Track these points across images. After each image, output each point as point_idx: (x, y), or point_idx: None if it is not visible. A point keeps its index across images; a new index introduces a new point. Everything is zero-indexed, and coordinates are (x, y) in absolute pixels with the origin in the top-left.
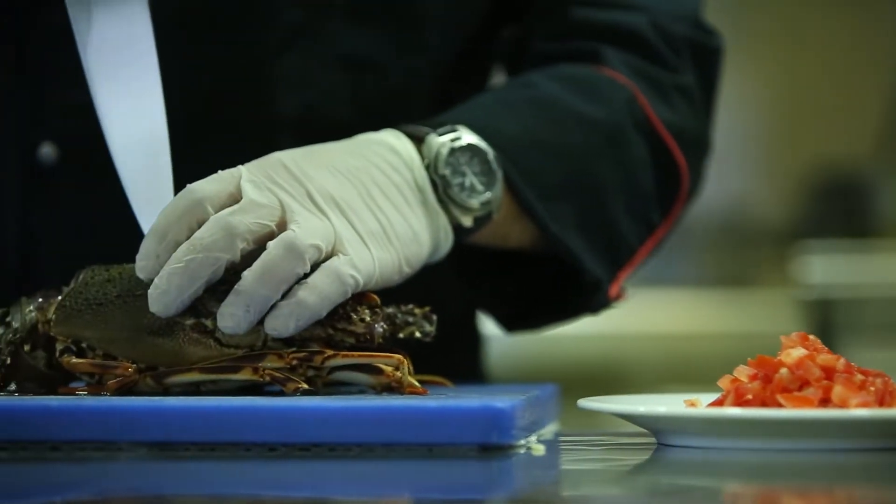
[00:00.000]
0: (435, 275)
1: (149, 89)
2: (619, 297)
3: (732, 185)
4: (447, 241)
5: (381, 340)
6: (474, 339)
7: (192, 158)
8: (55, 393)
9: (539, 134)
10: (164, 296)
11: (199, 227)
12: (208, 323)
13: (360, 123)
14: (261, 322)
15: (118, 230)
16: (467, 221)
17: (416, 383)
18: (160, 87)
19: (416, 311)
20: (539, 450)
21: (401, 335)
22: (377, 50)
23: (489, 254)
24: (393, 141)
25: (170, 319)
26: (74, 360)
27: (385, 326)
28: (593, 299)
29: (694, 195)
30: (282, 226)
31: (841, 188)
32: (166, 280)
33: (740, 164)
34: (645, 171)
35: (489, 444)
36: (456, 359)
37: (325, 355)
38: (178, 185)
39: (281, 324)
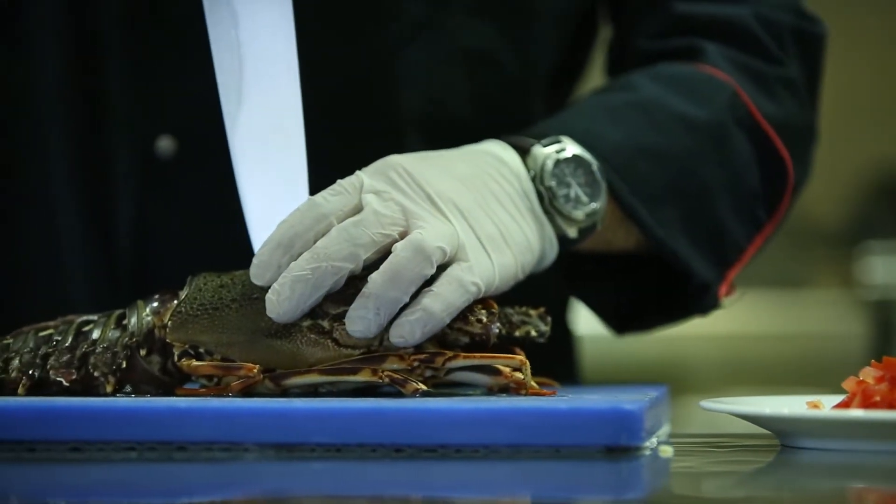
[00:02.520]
0: (530, 275)
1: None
2: (729, 295)
3: None
4: (552, 250)
5: (496, 340)
6: (568, 339)
7: (317, 155)
8: (171, 395)
9: (642, 139)
10: (285, 302)
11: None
12: (325, 324)
13: (479, 117)
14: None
15: (234, 224)
16: (572, 232)
17: (536, 385)
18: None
19: (531, 312)
20: (667, 451)
21: (516, 334)
22: (495, 43)
23: (597, 257)
24: (500, 152)
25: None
26: (195, 362)
27: (500, 327)
28: (703, 300)
29: (801, 185)
30: (404, 234)
31: None
32: (289, 287)
33: None
34: (750, 168)
35: (617, 445)
36: (551, 359)
37: (447, 356)
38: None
39: (408, 332)
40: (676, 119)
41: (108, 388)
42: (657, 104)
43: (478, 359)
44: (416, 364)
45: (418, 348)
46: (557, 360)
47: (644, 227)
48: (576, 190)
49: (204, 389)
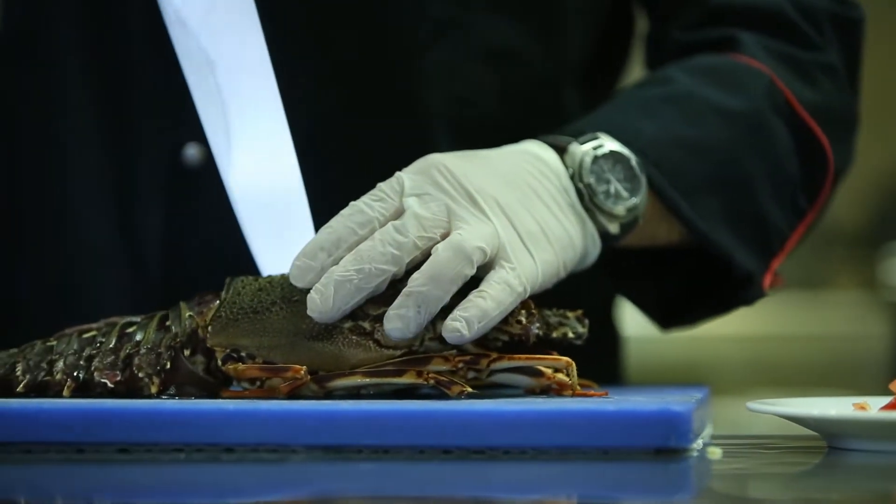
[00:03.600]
0: (574, 275)
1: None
2: (774, 284)
3: None
4: (595, 248)
5: (534, 341)
6: (614, 339)
7: (345, 158)
8: (215, 397)
9: (679, 131)
10: (327, 302)
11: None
12: (366, 325)
13: (509, 115)
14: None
15: None
16: (614, 228)
17: (578, 386)
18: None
19: (569, 314)
20: (715, 453)
21: (553, 335)
22: (521, 39)
23: (639, 253)
24: (538, 151)
25: (328, 323)
26: (241, 366)
27: (539, 327)
28: (747, 291)
29: (844, 172)
30: (446, 235)
31: None
32: (332, 288)
33: None
34: (789, 156)
35: (666, 447)
36: (595, 359)
37: (491, 358)
38: (332, 183)
39: (463, 325)
40: (713, 110)
41: (153, 389)
42: (693, 96)
43: (523, 360)
44: (460, 366)
45: (461, 350)
46: (602, 359)
47: (685, 220)
48: (615, 186)
49: (248, 392)
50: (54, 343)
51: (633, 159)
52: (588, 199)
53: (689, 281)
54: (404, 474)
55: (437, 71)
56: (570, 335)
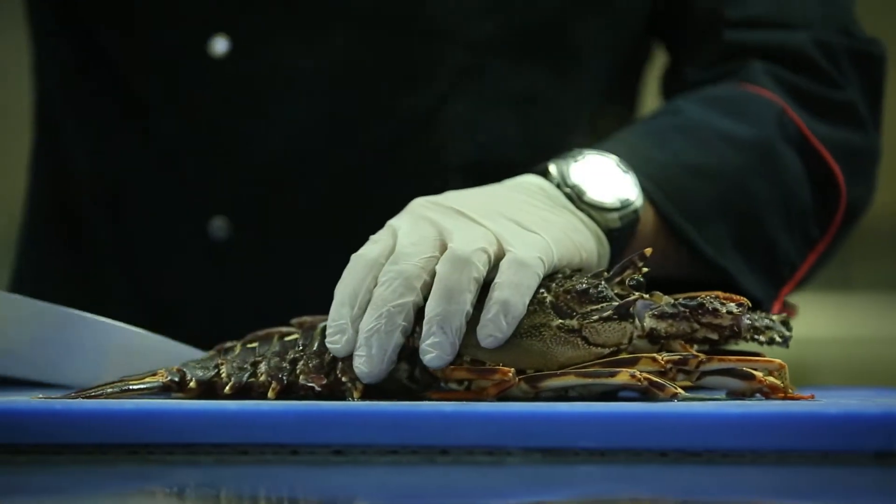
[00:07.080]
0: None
1: None
2: (784, 314)
3: None
4: (603, 247)
5: (747, 335)
6: None
7: (368, 208)
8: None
9: (686, 159)
10: (369, 361)
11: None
12: (574, 323)
13: (530, 159)
14: (615, 319)
15: (288, 302)
16: (614, 222)
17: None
18: None
19: (773, 317)
20: None
21: (762, 339)
22: (541, 84)
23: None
24: (519, 179)
25: (535, 320)
26: (450, 367)
27: (753, 319)
28: None
29: (863, 207)
30: (444, 248)
31: None
32: (365, 346)
33: None
34: (800, 184)
35: (889, 451)
36: None
37: (700, 359)
38: (354, 237)
39: (492, 328)
40: (721, 138)
41: (356, 395)
42: (702, 125)
43: (733, 362)
44: (668, 366)
45: (667, 345)
46: None
47: (692, 246)
48: (602, 185)
49: (456, 393)
50: (255, 345)
51: (616, 160)
52: (578, 200)
53: None
54: (621, 477)
55: (459, 121)
56: (777, 339)
